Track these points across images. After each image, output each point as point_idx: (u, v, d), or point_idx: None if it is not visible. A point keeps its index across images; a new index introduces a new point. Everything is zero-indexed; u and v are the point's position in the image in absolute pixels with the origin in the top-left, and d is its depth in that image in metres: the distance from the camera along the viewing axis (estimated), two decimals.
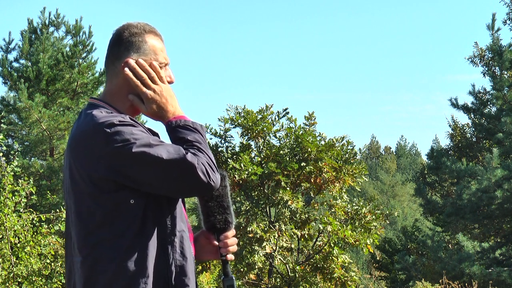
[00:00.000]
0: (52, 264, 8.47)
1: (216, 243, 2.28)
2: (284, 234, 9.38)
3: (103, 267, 2.07)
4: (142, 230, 2.09)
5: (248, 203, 9.47)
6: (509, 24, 19.92)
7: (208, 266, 9.86)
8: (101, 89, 18.52)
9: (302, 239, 9.77)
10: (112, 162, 2.06)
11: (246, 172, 9.16)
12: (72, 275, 2.18)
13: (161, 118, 2.24)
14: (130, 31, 2.27)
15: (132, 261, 2.06)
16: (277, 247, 9.26)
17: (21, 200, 7.96)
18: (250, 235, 9.05)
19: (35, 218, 8.25)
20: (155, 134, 2.23)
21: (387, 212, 10.05)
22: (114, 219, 2.08)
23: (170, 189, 2.11)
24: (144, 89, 2.22)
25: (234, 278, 2.29)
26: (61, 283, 8.50)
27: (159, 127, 2.35)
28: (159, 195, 2.14)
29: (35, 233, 8.23)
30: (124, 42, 2.26)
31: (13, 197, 7.85)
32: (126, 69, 2.22)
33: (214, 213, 2.25)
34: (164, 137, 2.26)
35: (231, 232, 2.29)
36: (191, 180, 2.09)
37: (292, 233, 9.40)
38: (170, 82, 2.30)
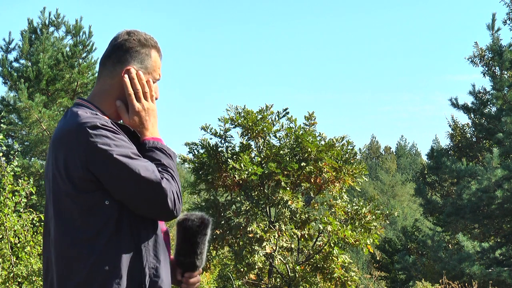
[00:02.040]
0: None
1: (179, 277, 2.35)
2: (284, 234, 9.38)
3: (78, 266, 2.09)
4: (117, 232, 2.11)
5: (248, 203, 9.46)
6: (509, 24, 19.93)
7: (208, 266, 9.86)
8: None
9: (302, 239, 9.77)
10: (89, 162, 2.08)
11: (246, 172, 9.16)
12: (49, 272, 2.19)
13: (139, 133, 2.29)
14: (139, 40, 2.31)
15: (106, 262, 2.08)
16: (277, 247, 9.26)
17: (21, 200, 7.96)
18: (250, 235, 9.05)
19: (35, 218, 8.25)
20: (132, 133, 2.26)
21: (387, 212, 10.05)
22: (90, 219, 2.09)
23: (135, 204, 2.13)
24: (135, 101, 2.27)
25: None
26: None
27: None
28: None
29: (35, 233, 8.23)
30: (130, 49, 2.30)
31: (13, 197, 7.85)
32: (126, 76, 2.26)
33: (185, 255, 2.32)
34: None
35: (197, 273, 2.35)
36: (159, 205, 2.14)
37: (292, 233, 9.40)
38: (156, 98, 2.36)
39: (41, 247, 8.15)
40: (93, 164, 2.08)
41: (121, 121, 2.31)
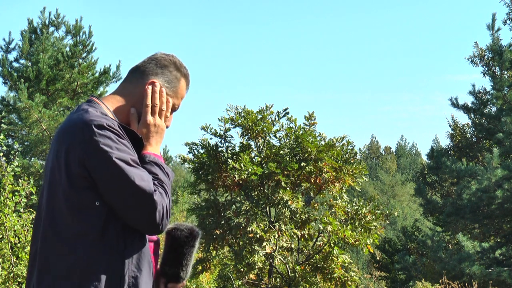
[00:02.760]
0: None
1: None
2: (284, 234, 9.38)
3: (56, 261, 2.08)
4: (101, 235, 2.09)
5: (248, 203, 9.46)
6: (509, 24, 19.93)
7: (208, 266, 9.86)
8: (101, 89, 18.53)
9: (302, 239, 9.77)
10: (88, 160, 2.07)
11: (246, 172, 9.16)
12: (35, 263, 2.18)
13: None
14: (174, 63, 2.38)
15: (86, 262, 2.07)
16: (277, 247, 9.26)
17: (21, 200, 7.96)
18: (250, 235, 9.05)
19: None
20: (138, 141, 2.25)
21: (387, 212, 10.05)
22: (77, 217, 2.09)
23: (124, 211, 2.12)
24: (149, 114, 2.29)
25: None
26: None
27: None
28: None
29: None
30: (164, 67, 2.35)
31: (13, 197, 7.85)
32: (150, 87, 2.30)
33: (170, 265, 2.31)
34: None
35: (181, 285, 2.34)
36: (146, 216, 2.12)
37: (292, 233, 9.40)
38: (167, 126, 2.39)
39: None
40: (90, 162, 2.07)
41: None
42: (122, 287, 2.11)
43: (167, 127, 2.38)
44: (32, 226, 8.27)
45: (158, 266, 2.34)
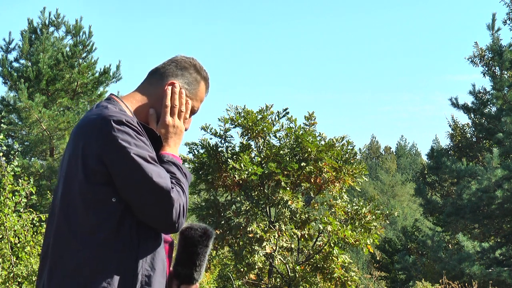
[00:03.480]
0: None
1: None
2: (284, 234, 9.38)
3: (68, 256, 2.06)
4: (116, 232, 2.07)
5: (248, 203, 9.46)
6: (509, 24, 19.93)
7: (208, 266, 9.87)
8: (101, 89, 18.53)
9: (302, 239, 9.77)
10: (105, 155, 2.06)
11: (246, 172, 9.16)
12: (47, 259, 2.16)
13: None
14: (195, 67, 2.38)
15: (98, 258, 2.05)
16: (277, 247, 9.26)
17: (21, 200, 7.96)
18: (250, 235, 9.05)
19: (35, 218, 8.25)
20: (156, 137, 2.24)
21: (387, 212, 10.05)
22: (92, 213, 2.07)
23: (140, 208, 2.10)
24: (168, 114, 2.29)
25: None
26: None
27: None
28: None
29: (35, 233, 8.23)
30: (185, 69, 2.36)
31: (13, 197, 7.85)
32: (169, 88, 2.30)
33: (184, 265, 2.28)
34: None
35: (194, 286, 2.31)
36: (163, 214, 2.10)
37: (292, 233, 9.40)
38: (185, 129, 2.37)
39: (41, 247, 8.15)
40: (108, 157, 2.05)
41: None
42: (135, 286, 2.09)
43: (185, 129, 2.36)
44: (32, 226, 8.27)
45: (171, 268, 2.31)
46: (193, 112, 2.40)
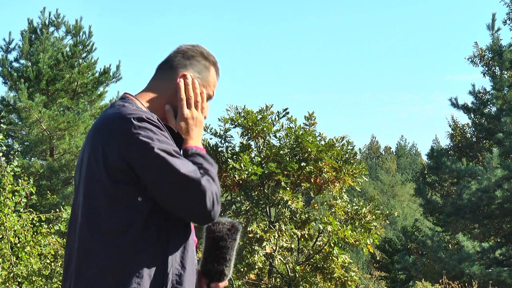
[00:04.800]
0: (52, 264, 8.47)
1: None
2: (284, 234, 9.38)
3: (97, 259, 2.03)
4: (143, 231, 2.04)
5: (248, 203, 9.46)
6: (509, 24, 19.94)
7: None
8: (101, 89, 18.53)
9: (302, 239, 9.77)
10: (128, 153, 2.02)
11: (246, 172, 9.16)
12: (71, 263, 2.14)
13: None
14: (202, 53, 2.34)
15: (127, 258, 2.02)
16: (277, 247, 9.26)
17: (21, 200, 7.95)
18: (250, 235, 9.05)
19: (35, 218, 8.24)
20: (175, 134, 2.20)
21: (387, 212, 10.05)
22: (118, 212, 2.03)
23: (171, 203, 2.06)
24: (185, 107, 2.24)
25: None
26: (61, 283, 8.49)
27: None
28: None
29: (35, 233, 8.22)
30: (191, 57, 2.31)
31: (13, 197, 7.84)
32: (182, 80, 2.26)
33: (213, 262, 2.24)
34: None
35: (223, 283, 2.27)
36: (197, 204, 2.06)
37: (292, 233, 9.40)
38: (204, 117, 2.33)
39: (41, 247, 8.15)
40: (132, 156, 2.02)
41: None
42: (166, 285, 2.06)
43: (204, 117, 2.32)
44: (32, 226, 8.27)
45: (199, 266, 2.26)
46: (209, 98, 2.37)
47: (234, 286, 9.98)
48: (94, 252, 2.04)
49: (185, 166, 2.05)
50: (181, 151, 2.20)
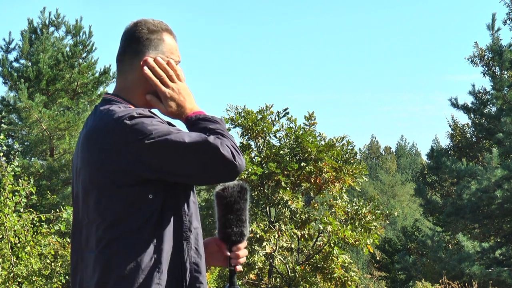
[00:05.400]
0: (52, 264, 8.47)
1: (228, 253, 2.28)
2: (284, 234, 9.38)
3: (118, 262, 2.04)
4: (158, 226, 2.07)
5: None
6: (509, 24, 19.94)
7: (208, 266, 9.87)
8: (101, 89, 18.53)
9: (302, 239, 9.77)
10: (134, 154, 2.03)
11: (246, 172, 9.16)
12: (78, 271, 2.16)
13: (180, 116, 2.23)
14: (148, 28, 2.27)
15: (147, 257, 2.05)
16: (277, 247, 9.26)
17: (21, 200, 7.96)
18: (250, 235, 9.05)
19: (35, 218, 8.25)
20: (172, 125, 2.20)
21: (387, 212, 10.05)
22: (132, 214, 2.05)
23: (196, 174, 2.08)
24: (163, 88, 2.22)
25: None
26: (61, 283, 8.50)
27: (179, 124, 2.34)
28: (176, 192, 2.12)
29: (35, 233, 8.23)
30: (142, 39, 2.25)
31: (13, 197, 7.85)
32: (146, 68, 2.22)
33: (232, 226, 2.25)
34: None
35: (243, 244, 2.29)
36: (216, 161, 2.05)
37: (292, 233, 9.40)
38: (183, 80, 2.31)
39: (41, 247, 8.15)
40: (138, 155, 2.03)
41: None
42: (185, 275, 2.10)
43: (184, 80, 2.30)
44: (32, 226, 8.27)
45: (217, 233, 2.29)
46: (177, 63, 2.32)
47: None
48: (112, 258, 2.05)
49: (187, 136, 2.06)
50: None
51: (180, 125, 2.27)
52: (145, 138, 2.03)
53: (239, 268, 2.31)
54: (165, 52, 2.27)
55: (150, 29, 2.26)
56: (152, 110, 2.18)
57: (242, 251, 2.29)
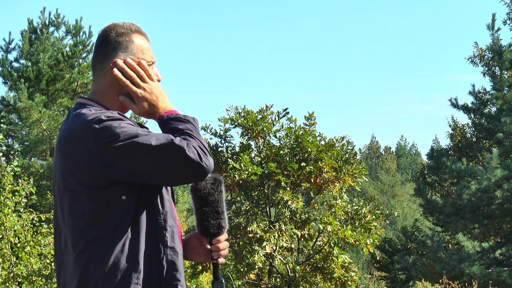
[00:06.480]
0: (52, 264, 8.47)
1: (208, 246, 2.30)
2: (284, 234, 9.38)
3: (97, 264, 2.07)
4: (133, 226, 2.10)
5: (248, 203, 9.46)
6: (509, 24, 19.92)
7: (208, 266, 9.86)
8: None
9: (302, 239, 9.77)
10: (104, 157, 2.06)
11: (246, 172, 9.16)
12: (61, 274, 2.18)
13: (153, 116, 2.25)
14: (116, 31, 2.28)
15: (124, 257, 2.07)
16: (277, 247, 9.26)
17: (21, 200, 7.96)
18: (250, 235, 9.05)
19: (35, 218, 8.25)
20: (144, 127, 2.22)
21: (387, 212, 10.05)
22: (106, 216, 2.08)
23: (163, 176, 2.11)
24: (134, 88, 2.23)
25: (224, 281, 2.32)
26: None
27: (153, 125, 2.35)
28: (150, 191, 2.15)
29: (35, 233, 8.23)
30: (111, 42, 2.27)
31: (13, 197, 7.85)
32: (115, 69, 2.24)
33: (208, 218, 2.27)
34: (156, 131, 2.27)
35: (224, 236, 2.31)
36: (182, 163, 2.08)
37: (292, 233, 9.40)
38: (158, 81, 2.31)
39: (41, 247, 8.15)
40: (107, 158, 2.06)
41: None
42: (162, 272, 2.12)
43: (159, 80, 2.31)
44: (32, 226, 8.27)
45: (196, 227, 2.31)
46: (152, 63, 2.32)
47: (234, 286, 9.98)
48: (91, 261, 2.08)
49: (155, 138, 2.08)
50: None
51: (155, 125, 2.30)
52: (113, 141, 2.05)
53: (222, 260, 2.31)
54: (136, 53, 2.28)
55: (118, 32, 2.28)
56: (122, 113, 2.19)
57: (223, 244, 2.30)
